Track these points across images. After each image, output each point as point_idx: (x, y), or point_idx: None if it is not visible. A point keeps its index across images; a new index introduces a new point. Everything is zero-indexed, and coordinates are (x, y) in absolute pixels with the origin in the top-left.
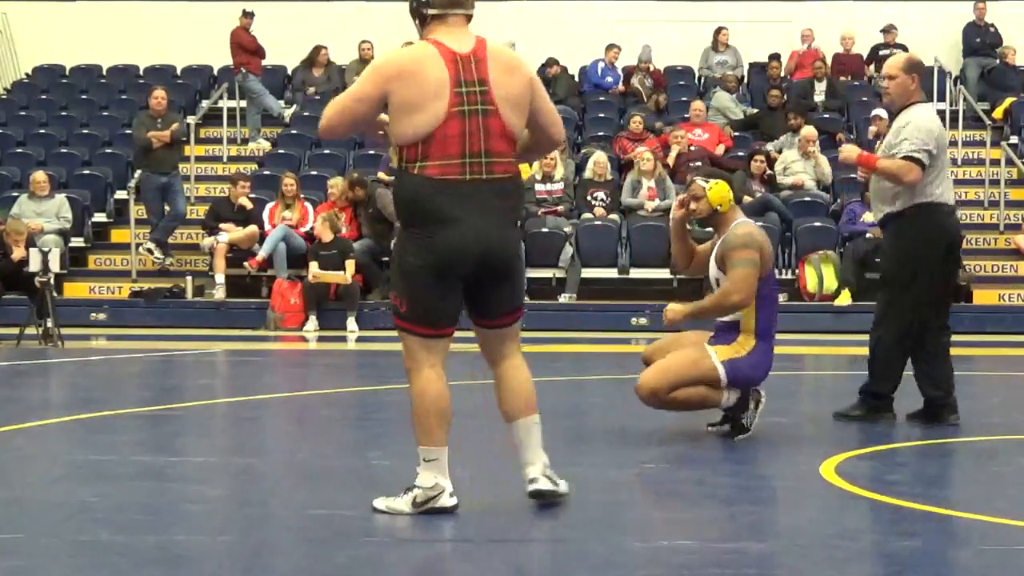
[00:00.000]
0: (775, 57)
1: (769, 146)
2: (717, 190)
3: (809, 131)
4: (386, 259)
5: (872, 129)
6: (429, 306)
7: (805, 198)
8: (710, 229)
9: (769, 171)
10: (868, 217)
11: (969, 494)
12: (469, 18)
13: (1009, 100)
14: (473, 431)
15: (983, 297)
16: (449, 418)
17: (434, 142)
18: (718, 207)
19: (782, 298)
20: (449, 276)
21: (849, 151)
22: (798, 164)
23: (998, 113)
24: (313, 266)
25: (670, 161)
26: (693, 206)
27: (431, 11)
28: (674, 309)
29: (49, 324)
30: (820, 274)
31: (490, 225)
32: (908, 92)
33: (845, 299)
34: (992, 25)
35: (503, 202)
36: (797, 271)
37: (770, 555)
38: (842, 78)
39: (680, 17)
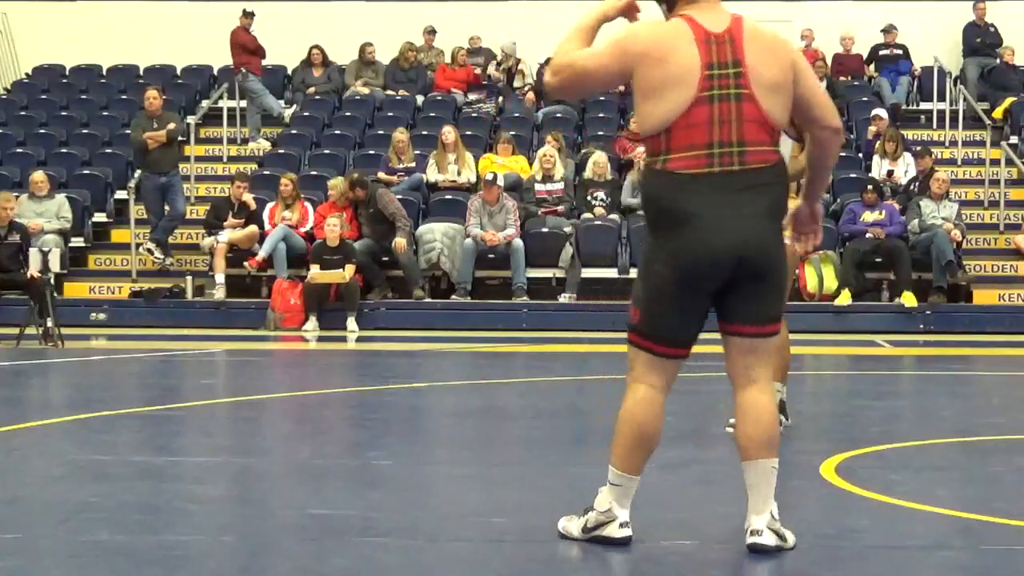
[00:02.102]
0: None
1: None
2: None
3: None
4: (386, 259)
5: (872, 129)
6: (666, 321)
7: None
8: None
9: None
10: (868, 217)
11: (968, 494)
12: None
13: (1009, 100)
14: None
15: (983, 297)
16: (651, 448)
17: (679, 132)
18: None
19: None
20: (696, 288)
21: None
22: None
23: (998, 113)
24: (314, 268)
25: None
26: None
27: None
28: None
29: (49, 324)
30: (820, 274)
31: (744, 223)
32: None
33: (845, 299)
34: (992, 25)
35: (759, 196)
36: (797, 271)
37: (765, 557)
38: (842, 78)
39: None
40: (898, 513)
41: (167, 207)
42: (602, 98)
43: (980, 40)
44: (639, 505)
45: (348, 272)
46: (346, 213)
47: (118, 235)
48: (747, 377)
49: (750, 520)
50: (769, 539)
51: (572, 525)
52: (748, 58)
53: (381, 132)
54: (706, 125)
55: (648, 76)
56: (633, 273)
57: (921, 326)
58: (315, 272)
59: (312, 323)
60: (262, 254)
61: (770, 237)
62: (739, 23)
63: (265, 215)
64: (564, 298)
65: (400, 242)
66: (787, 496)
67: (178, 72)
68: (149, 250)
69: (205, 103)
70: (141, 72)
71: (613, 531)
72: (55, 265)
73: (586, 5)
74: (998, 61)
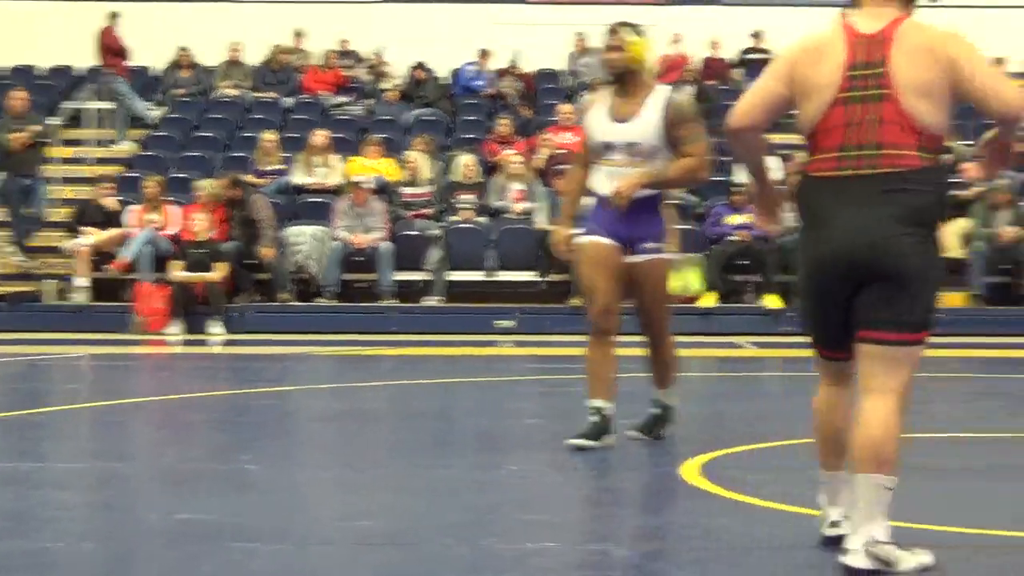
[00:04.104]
0: None
1: None
2: (641, 46)
3: None
4: (253, 262)
5: None
6: (810, 322)
7: (671, 201)
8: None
9: None
10: (733, 220)
11: None
12: None
13: None
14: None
15: None
16: (837, 445)
17: (819, 134)
18: (636, 66)
19: None
20: (826, 291)
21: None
22: None
23: None
24: (176, 265)
25: (540, 164)
26: (608, 56)
27: None
28: (626, 187)
29: None
30: (685, 277)
31: (866, 224)
32: None
33: (710, 301)
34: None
35: (892, 199)
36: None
37: (636, 557)
38: (710, 82)
39: (551, 21)
40: (761, 513)
41: (28, 209)
42: (472, 101)
43: None
44: (504, 507)
45: (219, 272)
46: (216, 214)
47: None
48: (866, 385)
49: (847, 538)
50: (859, 561)
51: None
52: (895, 57)
53: (250, 134)
54: (841, 128)
55: (800, 80)
56: (501, 276)
57: (785, 328)
58: (178, 273)
59: (177, 326)
60: (126, 257)
61: (894, 240)
62: (898, 23)
63: (129, 217)
64: (432, 301)
65: (266, 251)
66: (650, 497)
67: (41, 72)
68: (11, 253)
69: (69, 104)
70: (7, 73)
71: (824, 530)
72: None
73: (458, 8)
74: None
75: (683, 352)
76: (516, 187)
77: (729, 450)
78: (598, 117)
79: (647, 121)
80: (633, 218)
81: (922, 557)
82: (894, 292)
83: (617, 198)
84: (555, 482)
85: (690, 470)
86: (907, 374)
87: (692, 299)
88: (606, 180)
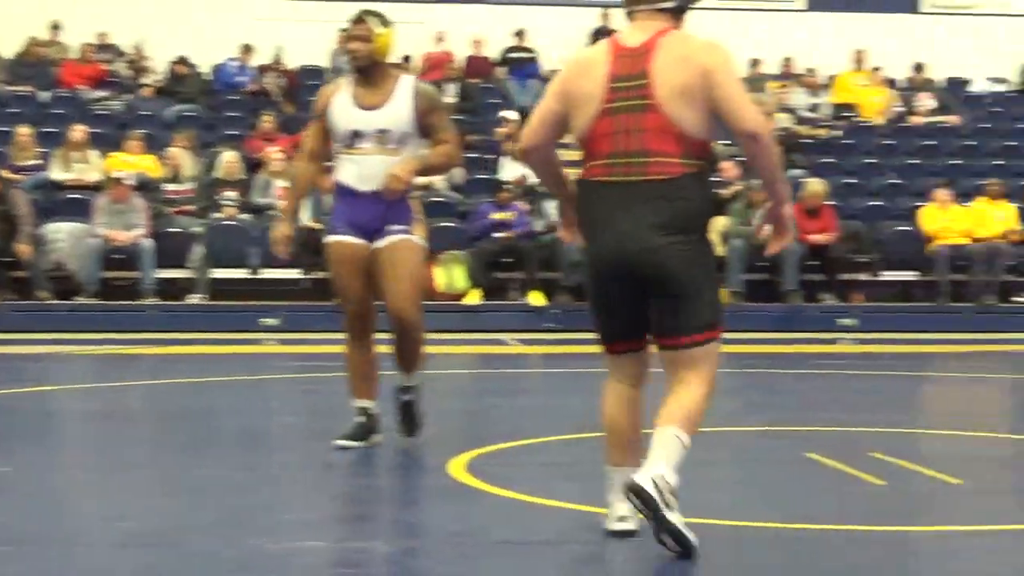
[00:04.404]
0: (406, 58)
1: None
2: (388, 37)
3: None
4: (11, 259)
5: (502, 130)
6: (596, 318)
7: (436, 198)
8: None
9: None
10: (497, 217)
11: (592, 488)
12: (664, 12)
13: None
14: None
15: None
16: (624, 441)
17: (590, 143)
18: (381, 57)
19: None
20: (605, 291)
21: None
22: None
23: None
24: None
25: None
26: (354, 46)
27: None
28: (403, 172)
29: None
30: (450, 274)
31: (637, 230)
32: None
33: (474, 298)
34: (616, 31)
35: (659, 205)
36: (427, 270)
37: (399, 554)
38: (473, 80)
39: (313, 17)
40: (525, 509)
41: None
42: (234, 98)
43: None
44: (268, 507)
45: None
46: None
47: None
48: (669, 379)
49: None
50: (645, 482)
51: None
52: (656, 68)
53: (5, 129)
54: (609, 136)
55: (571, 94)
56: (265, 273)
57: (548, 324)
58: None
59: None
60: None
61: (660, 246)
62: (661, 35)
63: None
64: (193, 299)
65: (23, 248)
66: (415, 495)
67: None
68: None
69: None
70: None
71: (611, 524)
72: None
73: (220, 4)
74: None
75: (448, 349)
76: (280, 184)
77: (495, 447)
78: (343, 106)
79: (398, 108)
80: (381, 209)
81: (690, 533)
82: (675, 300)
83: (393, 182)
84: (319, 480)
85: (456, 467)
86: (708, 367)
87: (457, 296)
88: (353, 170)
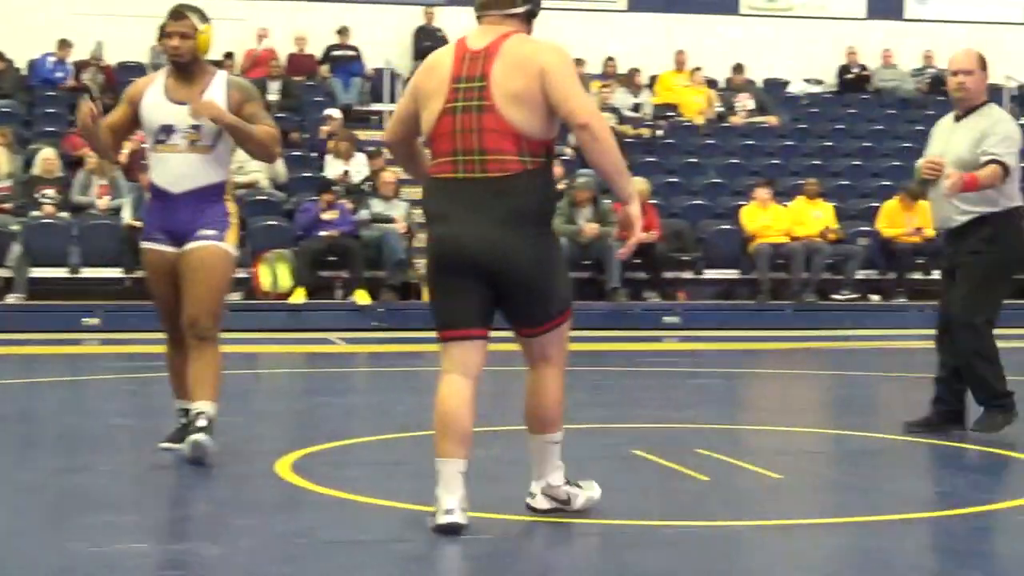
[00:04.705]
0: (228, 56)
1: None
2: (209, 36)
3: None
4: None
5: (325, 129)
6: (437, 308)
7: (259, 196)
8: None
9: None
10: (322, 216)
11: (420, 487)
12: (513, 16)
13: None
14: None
15: None
16: (455, 432)
17: (434, 140)
18: (202, 53)
19: (236, 297)
20: (449, 279)
21: (954, 182)
22: (253, 163)
23: None
24: None
25: (123, 159)
26: (176, 43)
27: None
28: (212, 103)
29: None
30: (275, 272)
31: (479, 226)
32: (982, 89)
33: (300, 297)
34: (440, 30)
35: (498, 202)
36: (252, 269)
37: (225, 555)
38: (296, 78)
39: (132, 12)
40: (355, 508)
41: None
42: (52, 94)
43: (429, 44)
44: (88, 509)
45: None
46: None
47: None
48: (529, 362)
49: (531, 486)
50: (541, 503)
51: None
52: (495, 71)
53: None
54: (450, 135)
55: (419, 92)
56: (85, 272)
57: (374, 323)
58: None
59: None
60: None
61: (505, 240)
62: (502, 40)
63: None
64: (12, 298)
65: None
66: (243, 495)
67: None
68: None
69: None
70: None
71: (439, 518)
72: None
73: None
74: None
75: (273, 348)
76: (100, 182)
77: (322, 446)
78: (154, 99)
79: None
80: (194, 210)
81: (591, 492)
82: (524, 292)
83: (206, 108)
84: (144, 482)
85: (283, 467)
86: (559, 348)
87: (282, 295)
88: (165, 171)
